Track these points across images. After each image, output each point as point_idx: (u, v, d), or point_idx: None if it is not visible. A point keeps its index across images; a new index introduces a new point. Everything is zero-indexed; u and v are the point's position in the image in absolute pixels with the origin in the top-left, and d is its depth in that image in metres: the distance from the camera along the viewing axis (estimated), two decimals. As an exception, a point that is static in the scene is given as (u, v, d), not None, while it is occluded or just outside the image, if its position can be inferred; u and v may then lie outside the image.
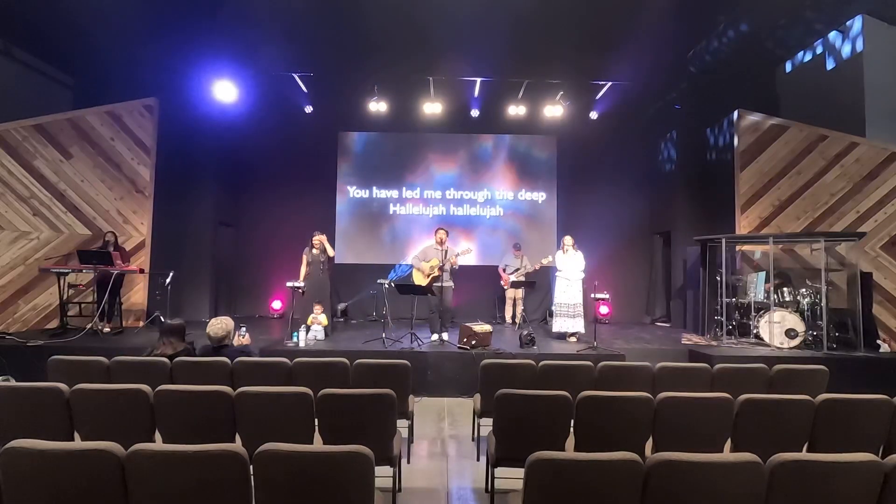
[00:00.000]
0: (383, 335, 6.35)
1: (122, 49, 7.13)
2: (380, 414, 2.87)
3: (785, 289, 6.67)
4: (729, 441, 2.91)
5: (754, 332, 6.62)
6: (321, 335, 6.58)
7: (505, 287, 8.64)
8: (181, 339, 3.94)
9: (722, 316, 6.76)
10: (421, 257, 6.82)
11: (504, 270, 8.65)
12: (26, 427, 2.58)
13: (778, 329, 6.27)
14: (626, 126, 9.44)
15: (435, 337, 6.62)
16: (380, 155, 10.01)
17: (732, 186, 7.58)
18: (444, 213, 9.95)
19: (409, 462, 3.81)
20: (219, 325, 3.88)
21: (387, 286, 7.26)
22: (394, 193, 10.01)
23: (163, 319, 6.64)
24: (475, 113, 9.17)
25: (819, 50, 8.05)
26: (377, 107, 8.82)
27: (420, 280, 6.71)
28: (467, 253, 6.77)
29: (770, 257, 6.63)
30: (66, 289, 6.55)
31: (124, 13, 6.34)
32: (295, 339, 6.15)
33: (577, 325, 6.85)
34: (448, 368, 5.81)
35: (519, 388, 2.93)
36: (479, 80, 8.37)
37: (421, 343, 6.30)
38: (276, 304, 9.51)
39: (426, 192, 10.01)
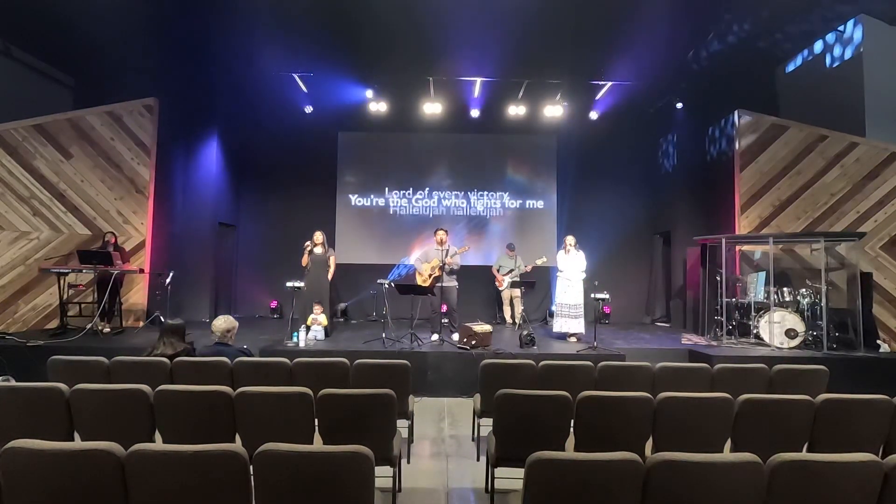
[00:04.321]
0: (383, 335, 6.35)
1: (122, 49, 7.13)
2: (380, 414, 2.87)
3: (785, 288, 6.68)
4: (729, 441, 2.90)
5: (754, 332, 6.62)
6: (321, 335, 6.58)
7: (500, 288, 8.62)
8: (181, 339, 3.95)
9: (722, 316, 6.76)
10: (423, 259, 6.85)
11: (498, 271, 8.63)
12: (26, 427, 2.58)
13: (778, 329, 6.27)
14: (626, 126, 9.44)
15: (435, 337, 6.62)
16: (380, 155, 10.01)
17: (732, 186, 7.58)
18: (444, 213, 9.96)
19: (409, 462, 3.80)
20: (223, 320, 4.04)
21: (387, 286, 7.26)
22: (394, 193, 10.01)
23: (163, 319, 6.64)
24: (475, 113, 9.16)
25: (819, 50, 8.05)
26: (377, 107, 8.82)
27: (421, 281, 6.73)
28: (464, 251, 6.79)
29: (770, 257, 6.63)
30: (66, 289, 6.55)
31: (124, 13, 6.33)
32: (295, 339, 6.15)
33: (578, 326, 6.84)
34: (448, 368, 5.81)
35: (519, 388, 2.93)
36: (479, 80, 8.36)
37: (421, 343, 6.30)
38: (276, 304, 9.50)
39: (426, 192, 10.01)
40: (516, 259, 8.54)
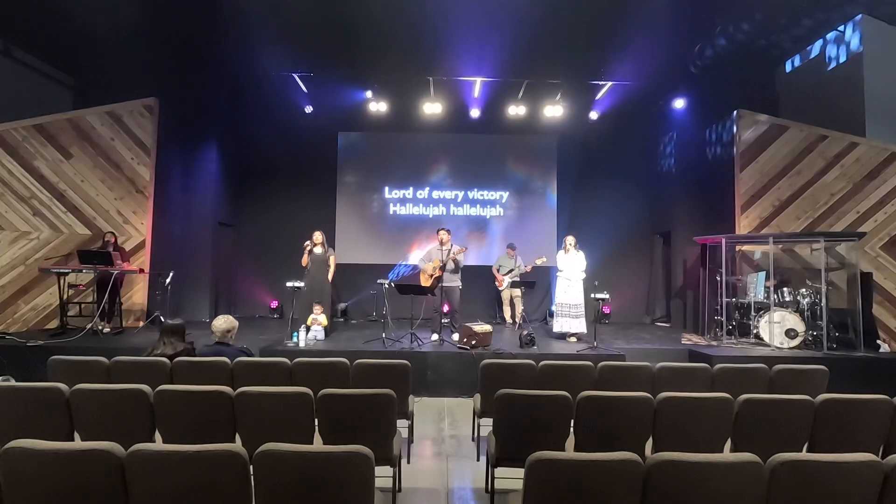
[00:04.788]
0: (383, 335, 6.35)
1: (122, 49, 7.13)
2: (380, 414, 2.87)
3: (785, 288, 6.68)
4: (729, 441, 2.90)
5: (754, 332, 6.62)
6: (321, 335, 6.58)
7: (500, 288, 8.61)
8: (181, 339, 3.95)
9: (722, 316, 6.76)
10: (426, 259, 6.86)
11: (498, 271, 8.62)
12: (26, 427, 2.58)
13: (778, 329, 6.27)
14: (626, 126, 9.43)
15: (435, 337, 6.63)
16: (380, 155, 10.01)
17: (732, 186, 7.58)
18: (444, 213, 9.95)
19: (409, 462, 3.80)
20: (223, 320, 4.02)
21: (387, 286, 7.26)
22: (394, 193, 10.01)
23: (163, 319, 6.64)
24: (475, 113, 9.16)
25: (819, 50, 8.05)
26: (377, 107, 8.81)
27: (424, 281, 6.73)
28: (462, 252, 6.79)
29: (770, 257, 6.63)
30: (66, 289, 6.55)
31: (125, 14, 6.34)
32: (295, 339, 6.15)
33: (579, 326, 6.83)
34: (448, 368, 5.81)
35: (519, 388, 2.93)
36: (479, 80, 8.36)
37: (421, 343, 6.30)
38: (276, 304, 9.51)
39: (426, 192, 10.01)
40: (516, 259, 8.53)
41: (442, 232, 6.77)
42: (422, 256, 7.06)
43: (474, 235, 9.79)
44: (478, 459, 3.90)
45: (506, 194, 10.02)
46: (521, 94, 8.75)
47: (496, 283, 8.60)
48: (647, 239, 9.99)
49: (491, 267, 8.93)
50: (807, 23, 7.10)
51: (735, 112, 7.63)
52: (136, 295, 7.52)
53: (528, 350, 6.07)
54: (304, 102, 8.90)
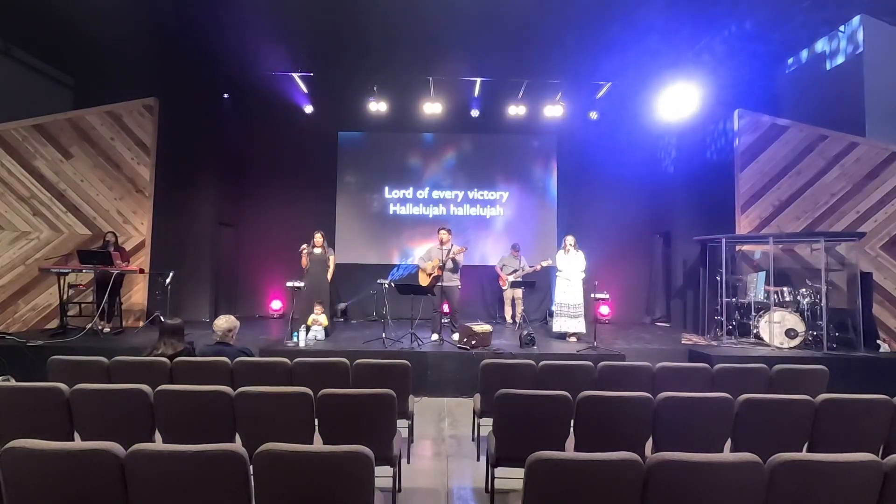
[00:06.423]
0: (383, 335, 6.35)
1: (122, 49, 7.12)
2: (380, 414, 2.87)
3: (785, 288, 6.68)
4: (729, 441, 2.91)
5: (754, 332, 6.62)
6: (321, 335, 6.58)
7: (503, 287, 8.63)
8: (181, 339, 3.95)
9: (722, 316, 6.76)
10: (426, 258, 6.87)
11: (501, 270, 8.65)
12: (26, 427, 2.58)
13: (778, 329, 6.27)
14: (626, 126, 9.43)
15: (435, 337, 6.63)
16: (380, 155, 10.01)
17: (732, 186, 7.58)
18: (444, 213, 9.95)
19: (409, 462, 3.81)
20: (224, 320, 4.04)
21: (387, 286, 7.27)
22: (394, 193, 10.00)
23: (163, 319, 6.64)
24: (475, 113, 9.16)
25: (819, 50, 8.05)
26: (377, 107, 8.81)
27: (423, 280, 6.73)
28: (462, 252, 6.80)
29: (770, 257, 6.63)
30: (66, 289, 6.55)
31: (124, 13, 6.33)
32: (295, 339, 6.15)
33: (578, 326, 6.84)
34: (448, 368, 5.82)
35: (519, 388, 2.93)
36: (479, 79, 8.36)
37: (421, 343, 6.31)
38: (276, 304, 9.51)
39: (426, 192, 10.00)
40: (520, 260, 8.57)
41: (442, 231, 6.78)
42: (421, 255, 7.08)
43: (474, 235, 9.78)
44: (478, 459, 3.90)
45: (506, 194, 10.01)
46: (521, 94, 8.75)
47: (500, 281, 8.62)
48: (647, 239, 9.98)
49: (494, 266, 8.95)
50: (807, 23, 7.09)
51: (735, 112, 7.63)
52: (136, 295, 7.52)
53: (528, 350, 6.07)
54: (304, 102, 8.90)
